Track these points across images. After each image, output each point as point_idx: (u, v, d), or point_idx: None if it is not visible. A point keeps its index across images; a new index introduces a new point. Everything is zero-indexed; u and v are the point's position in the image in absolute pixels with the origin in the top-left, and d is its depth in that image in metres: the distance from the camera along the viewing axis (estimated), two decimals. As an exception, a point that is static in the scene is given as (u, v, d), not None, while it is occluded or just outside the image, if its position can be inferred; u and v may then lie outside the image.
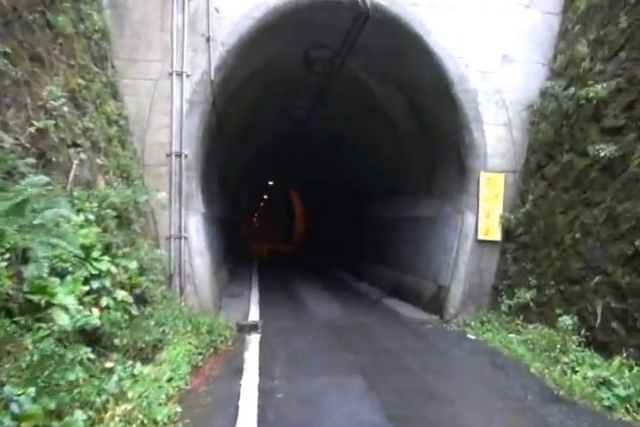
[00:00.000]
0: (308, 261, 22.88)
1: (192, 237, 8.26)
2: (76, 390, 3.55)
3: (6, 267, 3.31)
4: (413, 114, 10.85)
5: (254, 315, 9.11)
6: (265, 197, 49.84)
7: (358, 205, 16.95)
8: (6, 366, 3.08)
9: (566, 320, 6.34)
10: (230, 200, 19.85)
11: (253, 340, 7.40)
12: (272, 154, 23.16)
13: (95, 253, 4.67)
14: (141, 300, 5.84)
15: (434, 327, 8.41)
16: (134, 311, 5.33)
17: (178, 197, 8.27)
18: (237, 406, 4.76)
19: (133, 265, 5.61)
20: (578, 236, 6.71)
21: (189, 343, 6.17)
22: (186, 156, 8.37)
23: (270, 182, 35.81)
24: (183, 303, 7.67)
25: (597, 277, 6.14)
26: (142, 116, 8.33)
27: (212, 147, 10.57)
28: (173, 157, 8.30)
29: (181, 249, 8.11)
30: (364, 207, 16.13)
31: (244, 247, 29.18)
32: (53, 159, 4.77)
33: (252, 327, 8.07)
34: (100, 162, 6.01)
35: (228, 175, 16.45)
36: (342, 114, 14.48)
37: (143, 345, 5.35)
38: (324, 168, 21.49)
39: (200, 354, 6.16)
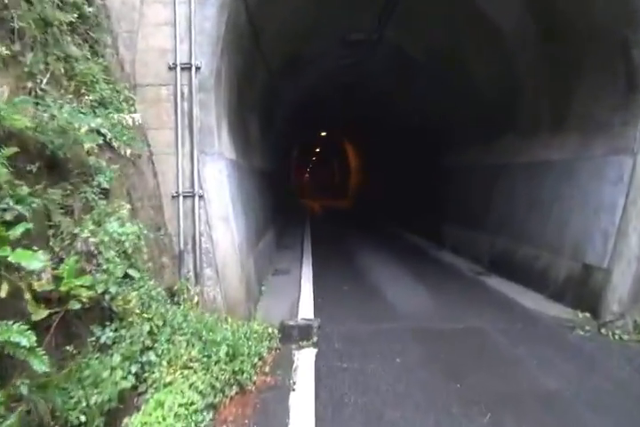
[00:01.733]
0: (368, 221, 19.88)
1: (211, 194, 5.41)
2: None
3: None
4: (528, 4, 7.26)
5: (307, 307, 6.31)
6: (317, 149, 46.73)
7: (434, 151, 13.58)
8: None
9: None
10: (278, 151, 16.94)
11: (305, 362, 4.58)
12: (324, 95, 19.83)
13: None
14: (87, 319, 3.10)
15: (591, 336, 5.31)
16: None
17: (188, 134, 5.39)
18: None
19: (71, 259, 2.85)
20: None
21: (191, 386, 3.43)
22: (198, 68, 5.40)
23: (323, 133, 32.62)
24: (197, 298, 4.95)
25: None
26: (131, 5, 5.36)
27: (247, 64, 7.53)
28: (179, 70, 5.34)
29: (195, 213, 5.30)
30: (444, 154, 12.76)
31: (295, 204, 26.52)
32: None
33: (304, 333, 5.26)
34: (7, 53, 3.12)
35: (274, 118, 13.45)
36: (417, 30, 10.94)
37: (82, 418, 2.64)
38: (386, 110, 18.00)
39: (209, 409, 3.43)
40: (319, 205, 31.22)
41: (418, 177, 15.34)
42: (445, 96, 11.63)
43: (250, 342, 4.44)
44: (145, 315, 3.61)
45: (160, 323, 3.75)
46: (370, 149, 24.57)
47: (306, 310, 6.15)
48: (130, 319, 3.45)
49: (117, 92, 4.79)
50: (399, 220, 17.10)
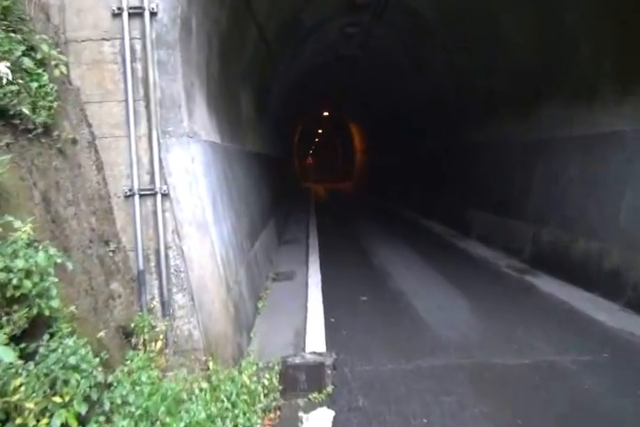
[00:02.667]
0: (379, 206, 18.37)
1: (181, 191, 3.90)
2: None
3: None
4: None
5: (316, 332, 4.84)
6: (320, 131, 44.96)
7: (454, 127, 12.00)
8: None
9: None
10: (277, 132, 15.36)
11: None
12: (327, 69, 18.13)
13: None
14: None
15: None
16: None
17: (144, 108, 3.86)
18: None
19: None
20: None
21: None
22: (154, 14, 3.85)
23: (325, 113, 30.89)
24: (160, 344, 3.50)
25: None
26: None
27: (232, 22, 5.92)
28: (126, 16, 3.79)
29: (158, 219, 3.81)
30: (467, 130, 11.18)
31: (298, 189, 25.02)
32: None
33: (314, 377, 3.83)
34: None
35: (271, 93, 11.84)
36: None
37: None
38: (395, 83, 16.34)
39: None
40: (323, 188, 29.69)
41: (435, 156, 13.76)
42: (467, 61, 9.98)
43: (236, 411, 3.01)
44: (51, 404, 2.16)
45: (82, 410, 2.30)
46: (377, 127, 22.90)
47: (315, 338, 4.69)
48: (19, 421, 2.02)
49: (32, 49, 3.26)
50: (414, 204, 15.58)
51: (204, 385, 3.20)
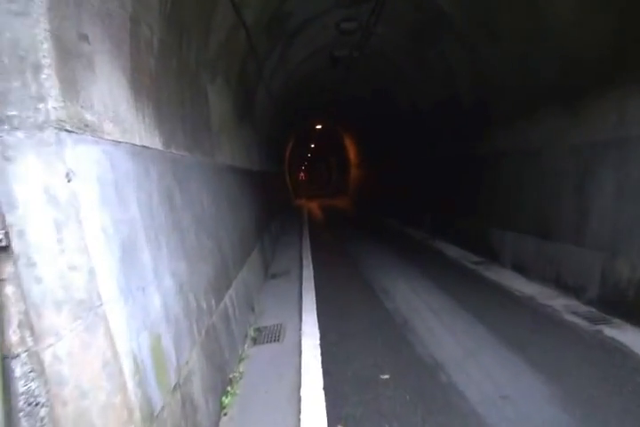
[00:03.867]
0: (380, 224, 16.44)
1: (36, 242, 1.92)
2: None
3: None
4: None
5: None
6: (312, 145, 43.24)
7: (471, 133, 10.16)
8: None
9: None
10: (265, 145, 13.47)
11: None
12: (320, 75, 16.39)
13: None
14: None
15: None
16: None
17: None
18: None
19: None
20: None
21: None
22: None
23: (318, 126, 29.19)
24: None
25: None
26: None
27: None
28: None
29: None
30: (489, 135, 9.33)
31: (290, 208, 23.09)
32: None
33: None
34: None
35: (256, 97, 9.97)
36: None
37: None
38: (396, 87, 14.58)
39: None
40: (318, 205, 27.74)
41: (447, 167, 11.89)
42: (490, 50, 8.18)
43: None
44: None
45: None
46: (375, 138, 21.08)
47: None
48: None
49: None
50: (422, 223, 13.66)
51: None
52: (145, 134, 3.17)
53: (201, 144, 4.94)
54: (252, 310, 6.13)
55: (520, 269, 7.74)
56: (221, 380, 3.76)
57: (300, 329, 5.32)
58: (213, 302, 4.11)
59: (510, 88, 8.18)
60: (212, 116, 5.71)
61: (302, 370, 4.19)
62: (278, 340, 5.05)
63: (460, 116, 10.67)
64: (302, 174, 79.75)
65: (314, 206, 26.54)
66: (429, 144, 13.21)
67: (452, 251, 10.16)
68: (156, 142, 3.37)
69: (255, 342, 5.06)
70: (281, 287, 7.51)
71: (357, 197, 27.81)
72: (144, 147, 3.08)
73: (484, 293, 6.67)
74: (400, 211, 16.37)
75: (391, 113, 16.50)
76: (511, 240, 8.27)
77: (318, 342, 4.91)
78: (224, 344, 4.08)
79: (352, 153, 31.23)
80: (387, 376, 4.05)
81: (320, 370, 4.18)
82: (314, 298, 6.65)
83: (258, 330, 5.40)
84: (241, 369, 4.21)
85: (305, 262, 9.37)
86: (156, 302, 2.68)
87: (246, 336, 5.16)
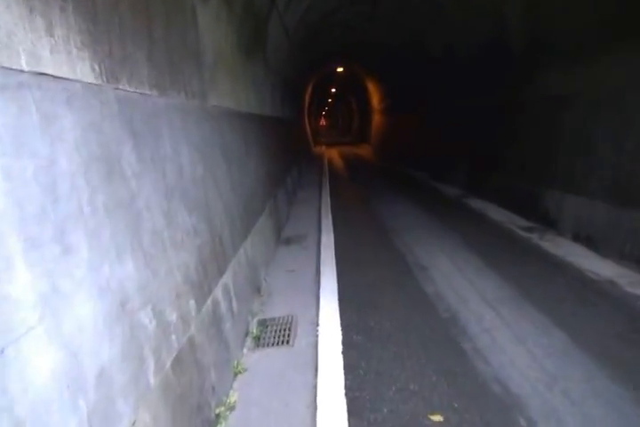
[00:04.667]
0: (409, 178, 14.96)
1: None
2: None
3: None
4: None
5: None
6: (333, 89, 40.85)
7: (522, 71, 8.45)
8: None
9: None
10: (283, 90, 11.87)
11: None
12: (339, 15, 14.38)
13: None
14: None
15: None
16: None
17: None
18: None
19: None
20: None
21: None
22: None
23: (339, 69, 27.03)
24: None
25: None
26: None
27: None
28: None
29: None
30: (545, 76, 7.65)
31: (310, 157, 21.63)
32: None
33: None
34: None
35: (268, 36, 8.33)
36: None
37: None
38: (426, 25, 12.60)
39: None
40: (338, 154, 26.11)
41: (485, 118, 10.24)
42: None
43: None
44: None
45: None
46: (403, 82, 19.09)
47: None
48: None
49: None
50: (458, 178, 12.16)
51: None
52: (53, 57, 1.81)
53: (183, 80, 3.55)
54: (258, 290, 4.96)
55: (586, 240, 6.36)
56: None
57: (317, 325, 4.12)
58: (192, 304, 2.89)
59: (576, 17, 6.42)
60: (203, 44, 4.25)
61: (318, 397, 3.02)
62: (288, 342, 3.87)
63: (506, 56, 8.88)
64: (322, 120, 77.12)
65: (334, 155, 24.97)
66: (466, 90, 11.44)
67: (494, 212, 8.75)
68: (78, 71, 2.01)
69: (258, 342, 3.89)
70: (296, 259, 6.29)
71: (381, 145, 26.07)
72: (44, 76, 1.73)
73: (549, 274, 5.31)
74: (430, 163, 14.80)
75: (422, 55, 14.52)
76: (574, 205, 6.82)
77: (340, 347, 3.71)
78: (207, 365, 2.90)
79: (375, 98, 29.13)
80: (439, 418, 2.85)
81: (344, 400, 3.01)
82: (335, 277, 5.42)
83: (262, 324, 4.23)
84: (232, 399, 3.05)
85: (324, 225, 8.09)
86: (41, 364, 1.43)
87: (247, 334, 3.99)
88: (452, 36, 11.81)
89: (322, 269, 5.75)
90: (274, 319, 4.34)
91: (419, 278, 5.35)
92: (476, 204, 9.66)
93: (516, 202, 8.62)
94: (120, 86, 2.40)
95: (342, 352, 3.63)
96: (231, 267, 4.04)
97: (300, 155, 16.39)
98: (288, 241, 7.28)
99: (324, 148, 30.82)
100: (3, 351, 1.28)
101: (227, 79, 5.17)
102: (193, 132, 3.62)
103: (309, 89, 28.03)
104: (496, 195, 9.53)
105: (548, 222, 7.41)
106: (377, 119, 29.22)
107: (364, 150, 27.92)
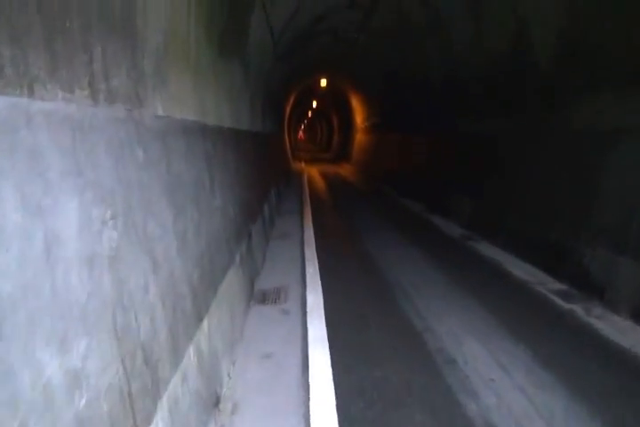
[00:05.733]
0: (401, 206, 13.39)
1: None
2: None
3: None
4: None
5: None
6: (314, 103, 39.50)
7: (536, 101, 7.01)
8: None
9: None
10: (265, 103, 10.23)
11: None
12: (332, 21, 12.94)
13: None
14: None
15: None
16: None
17: None
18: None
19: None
20: None
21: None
22: None
23: (323, 83, 25.66)
24: None
25: None
26: None
27: None
28: None
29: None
30: (566, 106, 6.20)
31: (288, 175, 19.98)
32: None
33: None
34: None
35: (248, 36, 6.69)
36: None
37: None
38: (426, 40, 11.21)
39: None
40: (319, 172, 24.48)
41: (501, 146, 8.77)
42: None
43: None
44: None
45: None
46: (395, 101, 17.71)
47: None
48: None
49: None
50: (452, 212, 10.64)
51: None
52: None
53: (85, 68, 1.82)
54: (216, 402, 3.19)
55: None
56: None
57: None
58: None
59: None
60: (143, 15, 2.54)
61: None
62: None
63: (527, 73, 7.44)
64: (301, 134, 75.73)
65: (315, 174, 23.31)
66: (474, 112, 9.99)
67: (513, 265, 7.18)
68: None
69: None
70: (274, 332, 4.56)
71: (365, 166, 24.60)
72: None
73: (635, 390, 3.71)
74: (424, 192, 13.28)
75: (421, 74, 13.10)
76: (632, 272, 5.30)
77: None
78: None
79: (359, 116, 27.82)
80: None
81: None
82: (330, 370, 3.71)
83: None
84: None
85: (310, 274, 6.37)
86: None
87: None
88: (458, 53, 10.40)
89: (311, 353, 4.03)
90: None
91: (452, 386, 3.66)
92: (487, 250, 8.11)
93: (538, 253, 7.09)
94: None
95: None
96: (166, 401, 2.28)
97: (280, 174, 14.69)
98: (264, 298, 5.53)
99: (303, 164, 29.21)
100: None
101: (185, 78, 3.46)
102: (102, 165, 1.89)
103: (291, 101, 26.54)
104: (510, 240, 8.00)
105: (588, 287, 5.87)
106: (360, 138, 27.86)
107: (346, 170, 26.40)
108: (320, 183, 19.02)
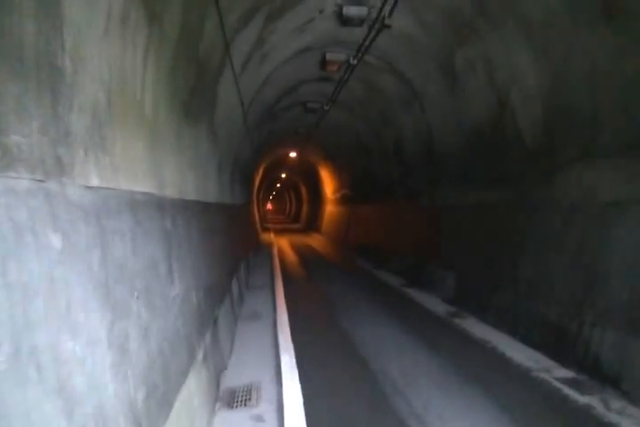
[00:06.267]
0: (370, 283, 12.70)
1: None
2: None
3: None
4: None
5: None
6: (283, 175, 39.75)
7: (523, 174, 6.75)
8: None
9: None
10: (233, 173, 9.79)
11: None
12: (305, 90, 13.01)
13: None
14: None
15: None
16: None
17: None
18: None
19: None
20: None
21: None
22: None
23: (292, 154, 25.85)
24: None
25: None
26: None
27: None
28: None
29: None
30: (549, 180, 5.91)
31: (257, 248, 19.26)
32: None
33: None
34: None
35: (220, 100, 6.33)
36: None
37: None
38: (397, 111, 11.25)
39: None
40: (289, 244, 23.80)
41: (486, 215, 8.40)
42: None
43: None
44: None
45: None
46: (367, 171, 17.65)
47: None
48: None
49: None
50: (434, 286, 10.02)
51: None
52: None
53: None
54: None
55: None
56: None
57: None
58: None
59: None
60: (67, 54, 1.97)
61: None
62: None
63: (511, 144, 7.23)
64: (269, 204, 75.87)
65: (285, 246, 22.61)
66: (455, 181, 9.73)
67: (509, 347, 6.46)
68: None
69: None
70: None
71: (336, 237, 24.14)
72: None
73: None
74: (400, 263, 12.71)
75: (397, 143, 13.06)
76: None
77: None
78: None
79: (329, 187, 27.83)
80: None
81: None
82: None
83: None
84: None
85: (285, 370, 5.48)
86: None
87: None
88: (437, 122, 10.34)
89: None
90: None
91: None
92: (477, 329, 7.41)
93: (536, 333, 6.44)
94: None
95: None
96: None
97: (249, 247, 13.95)
98: (232, 399, 4.60)
99: (272, 235, 28.56)
100: None
101: (136, 142, 2.86)
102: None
103: (260, 172, 26.43)
104: (501, 319, 7.36)
105: (599, 373, 5.20)
106: (330, 209, 27.68)
107: (317, 241, 25.83)
108: (291, 255, 18.28)
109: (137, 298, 2.51)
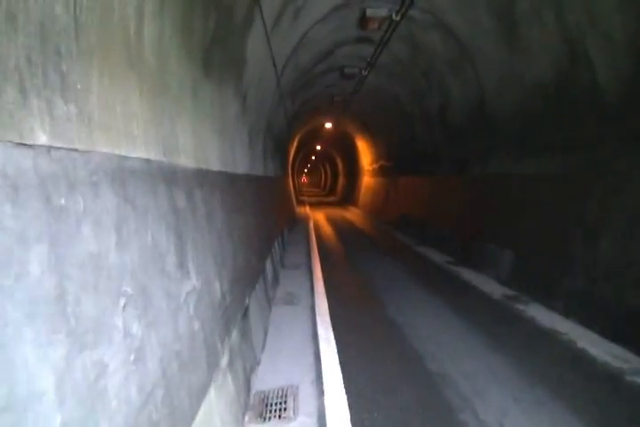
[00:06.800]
0: (414, 260, 11.81)
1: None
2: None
3: None
4: None
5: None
6: (318, 147, 38.76)
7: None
8: None
9: None
10: (266, 142, 8.97)
11: None
12: (342, 53, 11.94)
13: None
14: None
15: None
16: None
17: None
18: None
19: None
20: None
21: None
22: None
23: (328, 125, 24.77)
24: None
25: None
26: None
27: None
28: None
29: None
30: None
31: (293, 222, 18.59)
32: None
33: None
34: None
35: (249, 58, 5.46)
36: None
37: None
38: (449, 74, 10.09)
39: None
40: (325, 217, 23.04)
41: (552, 188, 7.34)
42: None
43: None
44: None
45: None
46: (408, 141, 16.54)
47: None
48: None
49: None
50: (485, 264, 9.08)
51: None
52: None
53: None
54: None
55: None
56: None
57: None
58: None
59: None
60: None
61: None
62: None
63: (593, 99, 6.10)
64: (304, 177, 75.10)
65: (321, 219, 21.85)
66: (509, 152, 8.62)
67: (590, 342, 5.55)
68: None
69: None
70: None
71: (373, 210, 23.23)
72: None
73: None
74: (446, 238, 11.77)
75: (443, 107, 11.87)
76: None
77: None
78: None
79: (366, 158, 26.76)
80: None
81: None
82: None
83: None
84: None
85: (326, 365, 4.77)
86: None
87: None
88: (488, 86, 9.19)
89: None
90: None
91: None
92: (545, 318, 6.48)
93: (621, 326, 5.48)
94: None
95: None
96: None
97: (284, 223, 13.25)
98: (264, 408, 3.92)
99: (307, 209, 27.87)
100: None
101: (129, 86, 2.07)
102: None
103: (295, 143, 25.56)
104: (574, 307, 6.40)
105: None
106: (367, 181, 26.68)
107: (354, 214, 24.98)
108: (327, 230, 17.52)
109: (124, 308, 1.76)
